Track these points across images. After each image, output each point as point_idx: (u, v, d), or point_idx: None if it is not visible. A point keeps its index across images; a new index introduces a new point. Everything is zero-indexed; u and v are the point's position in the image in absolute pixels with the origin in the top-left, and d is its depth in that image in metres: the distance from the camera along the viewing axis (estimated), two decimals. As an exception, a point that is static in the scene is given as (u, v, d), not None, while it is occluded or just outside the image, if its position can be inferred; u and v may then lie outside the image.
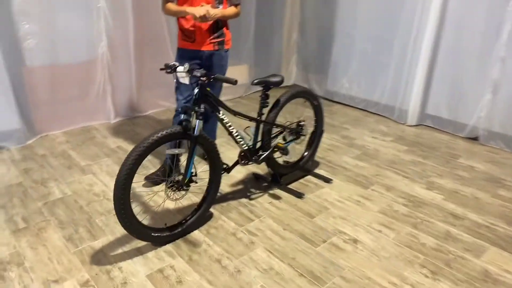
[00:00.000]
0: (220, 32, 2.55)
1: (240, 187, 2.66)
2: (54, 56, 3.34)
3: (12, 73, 3.08)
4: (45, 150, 3.13)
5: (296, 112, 3.14)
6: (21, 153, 3.05)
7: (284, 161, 2.75)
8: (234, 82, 1.85)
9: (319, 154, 3.19)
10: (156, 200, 2.44)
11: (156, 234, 1.97)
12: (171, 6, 2.45)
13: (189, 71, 1.92)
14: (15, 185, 2.58)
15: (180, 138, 1.93)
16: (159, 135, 1.84)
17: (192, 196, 2.50)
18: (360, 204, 2.50)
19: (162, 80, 4.06)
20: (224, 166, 2.34)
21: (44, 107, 3.39)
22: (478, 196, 2.65)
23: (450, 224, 2.32)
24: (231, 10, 2.48)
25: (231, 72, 4.62)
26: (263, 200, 2.49)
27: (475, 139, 3.60)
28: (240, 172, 2.84)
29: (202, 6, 2.32)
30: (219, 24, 2.52)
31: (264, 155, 2.40)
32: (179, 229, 2.07)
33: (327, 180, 2.76)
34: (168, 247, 2.03)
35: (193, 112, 1.94)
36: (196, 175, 2.04)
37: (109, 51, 3.59)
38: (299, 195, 2.54)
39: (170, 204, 2.38)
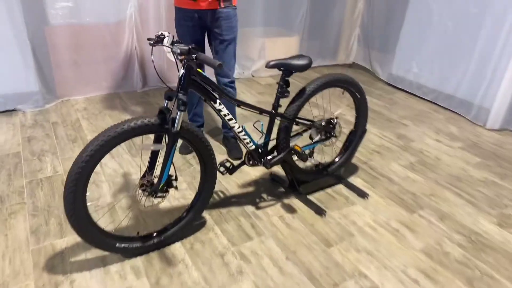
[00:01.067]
0: None
1: (250, 189, 2.19)
2: (80, 15, 3.06)
3: (34, 32, 2.86)
4: (59, 117, 2.92)
5: (330, 105, 2.53)
6: (33, 118, 2.87)
7: (310, 165, 2.20)
8: (216, 67, 1.33)
9: (360, 156, 2.59)
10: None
11: (122, 245, 1.60)
12: None
13: (173, 44, 1.45)
14: (11, 154, 2.38)
15: (155, 132, 1.50)
16: (126, 127, 1.42)
17: (190, 195, 2.10)
18: (398, 235, 1.91)
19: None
20: (228, 165, 1.88)
21: (67, 70, 3.16)
22: None
23: (523, 287, 1.65)
24: None
25: (279, 43, 4.06)
26: (272, 212, 2.01)
27: None
28: (255, 170, 2.36)
29: None
30: None
31: (276, 158, 1.89)
32: (155, 241, 1.68)
33: (362, 195, 2.17)
34: (139, 260, 1.66)
35: (174, 100, 1.48)
36: (176, 179, 1.61)
37: (138, 13, 3.23)
38: (319, 211, 2.01)
39: (149, 211, 2.00)
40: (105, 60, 3.30)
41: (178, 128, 1.49)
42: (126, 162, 2.36)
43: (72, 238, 1.75)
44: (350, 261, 1.72)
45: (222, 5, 2.12)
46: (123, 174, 2.24)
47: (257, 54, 4.01)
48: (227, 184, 2.21)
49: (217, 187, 2.18)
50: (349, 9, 4.34)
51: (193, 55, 1.37)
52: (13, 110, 2.95)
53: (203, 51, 2.39)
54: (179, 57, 1.39)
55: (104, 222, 1.84)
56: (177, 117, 1.47)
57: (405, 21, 3.74)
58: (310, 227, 1.92)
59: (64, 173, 2.23)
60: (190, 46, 1.39)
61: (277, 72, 4.11)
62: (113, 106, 3.15)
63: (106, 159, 2.36)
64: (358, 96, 2.07)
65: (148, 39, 1.55)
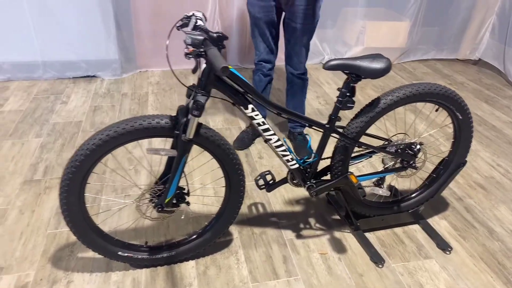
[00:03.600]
0: None
1: (296, 208, 1.81)
2: (164, -17, 2.92)
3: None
4: (130, 88, 2.88)
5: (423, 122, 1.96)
6: (108, 87, 2.88)
7: (378, 196, 1.71)
8: (220, 70, 0.96)
9: (454, 188, 1.98)
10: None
11: (126, 254, 1.41)
12: None
13: (195, 28, 1.12)
14: (74, 123, 2.39)
15: (163, 136, 1.22)
16: (128, 127, 1.17)
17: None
18: (481, 321, 1.36)
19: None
20: (269, 178, 1.54)
21: (148, 40, 3.09)
22: None
23: None
24: None
25: (384, 28, 3.40)
26: (315, 245, 1.62)
27: None
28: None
29: None
30: None
31: (325, 185, 1.46)
32: (164, 255, 1.45)
33: (444, 247, 1.63)
34: (143, 274, 1.46)
35: (191, 101, 1.17)
36: (188, 193, 1.33)
37: (225, -16, 2.96)
38: (377, 258, 1.55)
39: (164, 222, 1.76)
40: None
41: (191, 136, 1.19)
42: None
43: (88, 229, 1.63)
44: None
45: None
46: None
47: (355, 39, 3.44)
48: (272, 197, 1.87)
49: (259, 198, 1.85)
50: (486, -10, 3.42)
51: (201, 49, 1.03)
52: (93, 76, 3.00)
53: (278, 35, 2.04)
54: (188, 48, 1.06)
55: (117, 222, 1.68)
56: (191, 122, 1.16)
57: None
58: (358, 278, 1.48)
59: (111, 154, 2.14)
60: (205, 37, 1.05)
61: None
62: (189, 83, 3.00)
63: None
64: (460, 117, 1.49)
65: (180, 20, 1.26)
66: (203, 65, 1.16)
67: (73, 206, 1.25)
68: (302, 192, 1.91)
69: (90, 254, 1.52)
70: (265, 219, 1.74)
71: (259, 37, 1.98)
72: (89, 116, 2.48)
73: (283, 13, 1.94)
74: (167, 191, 1.26)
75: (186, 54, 1.07)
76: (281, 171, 2.05)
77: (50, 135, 2.26)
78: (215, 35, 1.09)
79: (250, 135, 2.25)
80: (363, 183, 1.51)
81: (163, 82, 3.01)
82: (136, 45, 3.08)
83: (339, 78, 3.22)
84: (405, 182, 1.98)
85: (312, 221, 1.75)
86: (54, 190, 1.84)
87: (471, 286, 1.48)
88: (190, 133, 1.18)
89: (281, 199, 1.86)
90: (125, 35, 2.99)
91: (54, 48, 2.85)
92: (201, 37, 1.05)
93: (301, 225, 1.72)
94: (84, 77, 2.99)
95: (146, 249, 1.45)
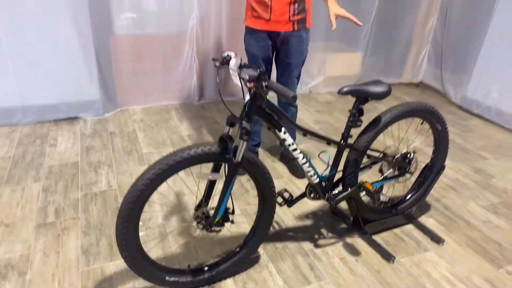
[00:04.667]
0: (302, 7, 1.96)
1: (308, 222, 2.01)
2: (143, 26, 3.08)
3: (99, 41, 2.91)
4: (117, 127, 2.93)
5: (405, 137, 2.29)
6: (93, 127, 2.90)
7: (377, 202, 1.97)
8: (291, 98, 1.17)
9: (434, 192, 2.31)
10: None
11: (172, 279, 1.49)
12: None
13: (241, 67, 1.32)
14: (70, 164, 2.39)
15: (215, 161, 1.37)
16: (185, 154, 1.31)
17: (244, 223, 1.96)
18: (482, 295, 1.63)
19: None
20: (286, 195, 1.72)
21: (127, 79, 3.19)
22: None
23: None
24: None
25: (341, 59, 3.84)
26: (333, 252, 1.81)
27: None
28: (313, 201, 2.17)
29: None
30: None
31: (343, 194, 1.69)
32: (205, 276, 1.55)
33: (437, 240, 1.91)
34: (187, 296, 1.54)
35: (238, 129, 1.35)
36: (233, 212, 1.47)
37: (200, 24, 3.18)
38: (387, 255, 1.78)
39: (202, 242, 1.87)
40: (164, 71, 3.29)
41: (240, 159, 1.35)
42: (179, 180, 2.27)
43: (121, 262, 1.67)
44: (425, 324, 1.48)
45: (296, 27, 2.00)
46: (177, 194, 2.15)
47: (317, 69, 3.83)
48: (283, 215, 2.05)
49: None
50: (420, 23, 4.03)
51: (263, 83, 1.23)
52: (75, 117, 3.01)
53: (271, 69, 2.28)
54: (247, 84, 1.25)
55: (155, 251, 1.75)
56: (240, 146, 1.33)
57: (486, 40, 3.38)
58: (376, 274, 1.70)
59: (118, 188, 2.19)
60: (259, 71, 1.25)
61: (335, 89, 3.90)
62: (169, 119, 3.12)
63: (160, 176, 2.29)
64: (439, 128, 1.82)
65: (213, 59, 1.44)
66: (247, 97, 1.34)
67: (130, 234, 1.33)
68: (307, 208, 2.11)
69: (130, 284, 1.56)
70: (283, 234, 1.90)
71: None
72: (84, 157, 2.49)
73: (276, 50, 2.19)
74: (217, 211, 1.40)
75: (249, 89, 1.25)
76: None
77: (49, 178, 2.24)
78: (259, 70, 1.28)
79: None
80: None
81: (147, 119, 3.10)
82: (117, 84, 3.16)
83: (306, 104, 3.54)
84: (396, 187, 2.27)
85: (324, 231, 1.94)
86: (72, 230, 1.85)
87: (467, 269, 1.75)
88: (240, 156, 1.34)
89: (292, 216, 2.04)
90: (106, 75, 3.06)
91: (34, 91, 2.83)
92: (256, 73, 1.24)
93: (316, 236, 1.90)
94: (66, 119, 2.98)
95: (189, 272, 1.54)
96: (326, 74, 3.85)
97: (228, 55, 1.41)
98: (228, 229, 1.89)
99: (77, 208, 2.00)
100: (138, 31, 3.08)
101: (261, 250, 1.79)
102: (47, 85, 2.84)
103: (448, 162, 2.68)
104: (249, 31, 2.10)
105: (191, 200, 2.10)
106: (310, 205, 2.13)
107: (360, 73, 3.98)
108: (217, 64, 1.39)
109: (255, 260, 1.73)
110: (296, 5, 1.96)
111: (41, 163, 2.38)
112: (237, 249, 1.62)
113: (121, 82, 3.17)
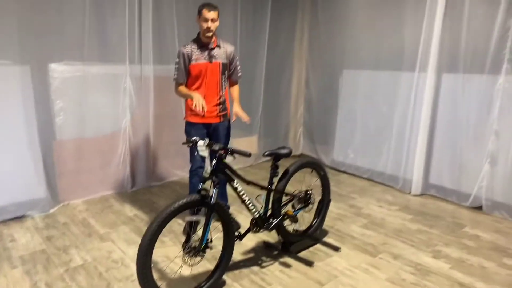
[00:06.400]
0: (224, 106, 2.94)
1: (251, 255, 2.76)
2: (82, 130, 3.66)
3: (44, 146, 3.38)
4: (67, 218, 3.30)
5: (304, 182, 3.32)
6: (44, 221, 3.22)
7: (294, 230, 2.87)
8: (248, 155, 2.08)
9: (327, 223, 3.30)
10: (172, 267, 2.54)
11: (173, 301, 2.06)
12: (182, 89, 2.86)
13: (208, 145, 2.17)
14: (38, 252, 2.72)
15: (199, 206, 2.11)
16: (180, 203, 2.02)
17: (206, 263, 2.60)
18: (368, 272, 2.57)
19: (178, 151, 4.34)
20: (236, 233, 2.48)
21: (68, 177, 3.63)
22: (484, 265, 2.70)
23: (458, 293, 2.36)
24: (236, 90, 3.08)
25: (242, 142, 4.94)
26: (274, 268, 2.58)
27: (479, 208, 3.70)
28: (251, 240, 2.95)
29: (203, 99, 2.72)
30: (223, 100, 2.96)
31: (275, 222, 2.55)
32: (195, 297, 2.15)
33: (336, 249, 2.85)
34: (183, 313, 2.10)
35: (211, 182, 2.14)
36: (211, 241, 2.18)
37: (131, 125, 3.93)
38: (308, 263, 2.63)
39: (185, 272, 2.48)
40: (102, 166, 3.84)
41: (214, 201, 2.12)
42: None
43: (123, 305, 2.14)
44: (340, 293, 2.33)
45: (222, 119, 2.95)
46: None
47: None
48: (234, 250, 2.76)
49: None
50: (293, 111, 5.49)
51: (228, 149, 2.10)
52: (22, 216, 3.27)
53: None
54: (219, 152, 2.10)
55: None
56: (214, 193, 2.12)
57: (338, 120, 4.89)
58: (305, 274, 2.52)
59: (93, 261, 2.62)
60: (222, 145, 2.12)
61: (244, 164, 4.91)
62: (111, 205, 3.61)
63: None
64: (322, 174, 2.89)
65: (184, 143, 2.27)
66: (214, 161, 2.17)
67: (147, 268, 1.92)
68: (247, 247, 2.87)
69: (137, 316, 2.05)
70: (236, 266, 2.60)
71: (196, 153, 3.01)
72: (49, 244, 2.83)
73: (210, 136, 3.06)
74: (202, 239, 2.09)
75: (219, 155, 2.08)
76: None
77: (26, 264, 2.55)
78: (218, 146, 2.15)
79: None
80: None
81: (91, 208, 3.53)
82: (59, 182, 3.56)
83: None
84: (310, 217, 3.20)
85: (263, 258, 2.71)
86: (69, 294, 2.24)
87: (357, 261, 2.71)
88: (214, 199, 2.11)
89: (237, 253, 2.76)
90: (50, 175, 3.47)
91: (-18, 197, 3.08)
92: (222, 145, 2.09)
93: (259, 262, 2.66)
94: (13, 219, 3.23)
95: (182, 294, 2.12)
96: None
97: (195, 139, 2.25)
98: (202, 265, 2.51)
99: (65, 280, 2.38)
100: (78, 135, 3.65)
101: (225, 277, 2.45)
102: (-4, 189, 3.14)
103: (332, 204, 3.78)
104: (190, 124, 2.96)
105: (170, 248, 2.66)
106: (248, 244, 2.89)
107: (258, 152, 5.11)
108: (190, 145, 2.21)
109: (223, 284, 2.39)
110: (220, 106, 2.94)
111: (9, 255, 2.65)
112: (212, 273, 2.27)
113: (63, 180, 3.59)
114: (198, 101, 2.60)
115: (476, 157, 3.68)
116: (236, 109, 2.92)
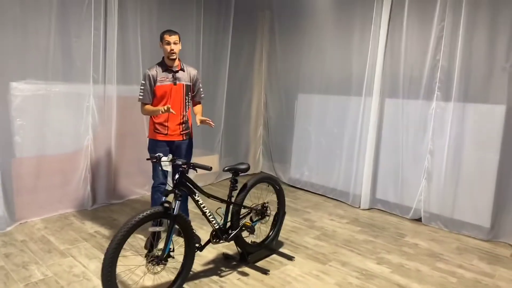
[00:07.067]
0: (187, 125, 3.14)
1: (211, 266, 2.91)
2: (43, 148, 3.69)
3: (2, 164, 3.38)
4: (25, 236, 3.29)
5: (261, 197, 3.55)
6: (0, 239, 3.19)
7: (252, 241, 3.07)
8: (209, 169, 2.28)
9: (283, 235, 3.53)
10: (133, 278, 2.63)
11: (135, 308, 2.17)
12: (148, 107, 3.02)
13: (172, 160, 2.35)
14: (-4, 268, 2.71)
15: (162, 217, 2.27)
16: (144, 214, 2.17)
17: (168, 274, 2.72)
18: (319, 278, 2.81)
19: (139, 169, 4.44)
20: (197, 245, 2.64)
21: (27, 195, 3.61)
22: (420, 269, 3.03)
23: (396, 293, 2.65)
24: (200, 107, 3.25)
25: (204, 160, 5.11)
26: (232, 277, 2.75)
27: (419, 220, 4.10)
28: (211, 252, 3.10)
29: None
30: (185, 119, 3.15)
31: (233, 233, 2.74)
32: (157, 303, 2.28)
33: (290, 258, 3.07)
34: (145, 320, 2.21)
35: (173, 195, 2.31)
36: (173, 250, 2.33)
37: (93, 143, 4.00)
38: (264, 271, 2.82)
39: (147, 282, 2.58)
40: (62, 184, 3.85)
41: (176, 213, 2.29)
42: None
43: (86, 315, 2.21)
44: (293, 296, 2.54)
45: (184, 137, 3.14)
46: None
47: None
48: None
49: (186, 267, 2.84)
50: (252, 132, 5.76)
51: (190, 164, 2.29)
52: (-23, 234, 3.22)
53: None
54: (182, 166, 2.28)
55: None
56: (176, 205, 2.28)
57: (294, 140, 5.21)
58: (261, 282, 2.71)
59: (55, 275, 2.65)
60: (185, 160, 2.31)
61: (207, 181, 5.06)
62: (71, 223, 3.62)
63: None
64: (278, 188, 3.13)
65: (149, 159, 2.43)
66: (176, 176, 2.34)
67: (111, 277, 2.03)
68: (207, 258, 3.02)
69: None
70: (196, 276, 2.74)
71: (158, 170, 3.14)
72: (7, 261, 2.82)
73: (172, 153, 3.22)
74: (165, 248, 2.23)
75: (182, 169, 2.26)
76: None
77: (-17, 280, 2.53)
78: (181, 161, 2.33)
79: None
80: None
81: (51, 226, 3.53)
82: (16, 200, 3.54)
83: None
84: (261, 232, 3.40)
85: (223, 268, 2.87)
86: None
87: (309, 268, 2.94)
88: (177, 211, 2.27)
89: (198, 265, 2.91)
90: (8, 193, 3.45)
91: None
92: (185, 160, 2.28)
93: (218, 271, 2.82)
94: (-33, 237, 3.17)
95: (145, 302, 2.24)
96: (194, 173, 5.00)
97: (159, 155, 2.42)
98: (164, 276, 2.63)
99: (25, 294, 2.41)
100: (38, 153, 3.67)
101: (185, 286, 2.59)
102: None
103: (287, 217, 4.03)
104: (153, 142, 3.11)
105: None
106: (208, 256, 3.05)
107: (219, 170, 5.29)
108: (154, 160, 2.38)
109: (184, 291, 2.52)
110: (183, 125, 3.13)
111: (-35, 272, 2.63)
112: (174, 282, 2.41)
113: (20, 198, 3.57)
114: (166, 106, 2.74)
115: (415, 174, 4.11)
116: (201, 118, 3.00)
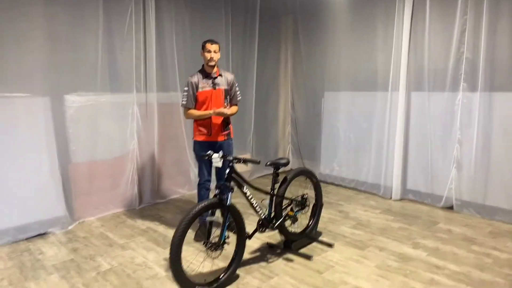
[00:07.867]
0: (227, 127, 3.40)
1: (258, 254, 3.16)
2: (94, 154, 4.03)
3: (62, 169, 3.73)
4: (85, 233, 3.63)
5: (300, 188, 3.78)
6: (66, 237, 3.53)
7: (292, 231, 3.30)
8: (258, 162, 2.53)
9: (320, 226, 3.74)
10: (191, 267, 2.91)
11: (198, 287, 2.44)
12: (194, 111, 3.29)
13: (222, 157, 2.62)
14: (68, 261, 3.04)
15: (217, 208, 2.53)
16: (202, 205, 2.44)
17: (220, 262, 2.98)
18: (359, 262, 3.01)
19: (179, 170, 4.75)
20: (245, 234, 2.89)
21: (83, 197, 3.96)
22: (455, 252, 3.19)
23: (433, 273, 2.83)
24: (234, 108, 3.46)
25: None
26: (279, 262, 2.99)
27: (450, 208, 4.23)
28: (256, 243, 3.34)
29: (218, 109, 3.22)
30: (226, 121, 3.40)
31: (278, 222, 2.97)
32: (215, 285, 2.54)
33: (330, 245, 3.28)
34: (207, 300, 2.47)
35: (226, 187, 2.57)
36: (228, 237, 2.58)
37: (138, 147, 4.32)
38: (308, 257, 3.05)
39: (204, 269, 2.85)
40: (112, 186, 4.19)
41: (229, 204, 2.55)
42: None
43: (154, 296, 2.50)
44: (337, 278, 2.75)
45: (226, 138, 3.40)
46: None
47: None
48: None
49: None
50: (281, 131, 6.00)
51: (241, 159, 2.54)
52: (44, 233, 3.58)
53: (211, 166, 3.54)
54: (234, 161, 2.54)
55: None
56: (229, 196, 2.54)
57: (322, 136, 5.41)
58: (306, 266, 2.94)
59: (119, 265, 2.96)
60: (234, 156, 2.57)
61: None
62: (123, 221, 3.95)
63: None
64: (315, 181, 3.36)
65: (201, 157, 2.71)
66: (227, 170, 2.60)
67: (178, 260, 2.30)
68: (253, 247, 3.26)
69: (169, 304, 2.41)
70: (246, 262, 2.98)
71: (203, 167, 3.42)
72: (75, 255, 3.15)
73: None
74: (221, 235, 2.49)
75: (231, 163, 2.52)
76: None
77: (59, 271, 2.87)
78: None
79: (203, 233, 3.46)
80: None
81: (107, 224, 3.86)
82: (74, 202, 3.89)
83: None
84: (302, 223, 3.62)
85: (269, 256, 3.11)
86: (105, 291, 2.57)
87: (349, 254, 3.14)
88: (230, 202, 2.53)
89: (246, 252, 3.15)
90: (67, 195, 3.80)
91: (6, 215, 3.38)
92: (234, 156, 2.54)
93: (265, 258, 3.06)
94: (36, 236, 3.53)
95: (206, 283, 2.50)
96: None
97: (210, 152, 2.69)
98: (216, 264, 2.89)
99: (99, 280, 2.72)
100: (90, 158, 4.01)
101: (238, 272, 2.84)
102: (20, 208, 3.44)
103: (323, 210, 4.23)
104: (198, 143, 3.39)
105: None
106: (254, 246, 3.29)
107: (251, 168, 5.55)
108: (207, 158, 2.65)
109: (237, 277, 2.77)
110: (224, 126, 3.40)
111: (43, 265, 2.96)
112: (228, 266, 2.66)
113: (78, 200, 3.92)
114: (218, 110, 3.14)
115: (445, 163, 4.24)
116: (216, 110, 3.23)
